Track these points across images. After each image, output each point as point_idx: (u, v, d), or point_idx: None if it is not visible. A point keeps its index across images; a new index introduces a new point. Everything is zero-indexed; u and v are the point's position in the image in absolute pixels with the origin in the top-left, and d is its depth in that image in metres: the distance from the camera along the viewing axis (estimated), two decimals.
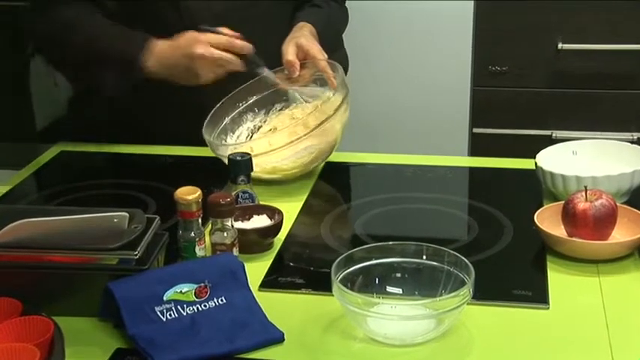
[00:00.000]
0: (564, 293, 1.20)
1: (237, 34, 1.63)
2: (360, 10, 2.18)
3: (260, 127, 1.67)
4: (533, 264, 1.30)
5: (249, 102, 1.68)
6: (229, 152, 1.45)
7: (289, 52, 1.65)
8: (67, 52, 1.70)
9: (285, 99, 1.70)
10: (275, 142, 1.51)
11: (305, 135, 1.50)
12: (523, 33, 2.42)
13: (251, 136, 1.66)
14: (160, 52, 1.63)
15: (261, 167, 1.47)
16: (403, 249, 1.18)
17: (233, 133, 1.65)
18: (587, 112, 2.46)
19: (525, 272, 1.28)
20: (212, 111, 1.61)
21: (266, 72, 1.66)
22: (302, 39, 1.67)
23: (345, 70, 1.82)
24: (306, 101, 1.66)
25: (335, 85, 1.60)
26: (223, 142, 1.61)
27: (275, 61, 1.68)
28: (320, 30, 1.75)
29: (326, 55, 1.66)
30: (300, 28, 1.73)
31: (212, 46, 1.60)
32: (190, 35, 1.62)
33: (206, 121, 1.59)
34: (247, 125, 1.67)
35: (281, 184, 1.55)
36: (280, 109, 1.69)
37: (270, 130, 1.63)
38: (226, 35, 1.62)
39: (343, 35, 1.94)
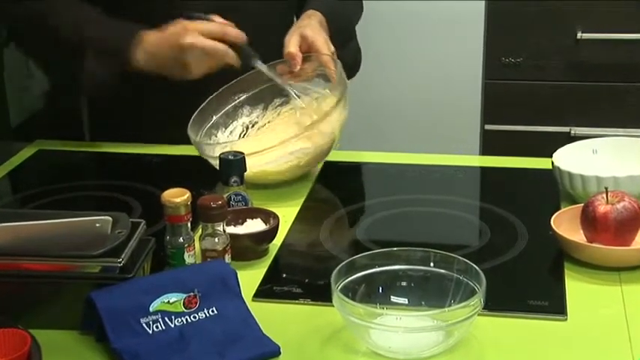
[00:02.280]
0: (583, 303, 1.20)
1: (229, 22, 1.62)
2: None
3: (256, 122, 1.67)
4: (549, 272, 1.31)
5: (245, 95, 1.67)
6: (214, 152, 1.44)
7: (291, 44, 1.62)
8: (44, 37, 1.68)
9: (286, 94, 1.69)
10: (263, 143, 1.49)
11: (289, 139, 1.48)
12: (539, 21, 2.43)
13: (245, 133, 1.66)
14: (149, 43, 1.62)
15: (249, 170, 1.46)
16: (409, 255, 1.18)
17: (226, 128, 1.65)
18: (608, 107, 2.46)
19: (541, 281, 1.29)
20: (201, 106, 1.60)
21: (259, 65, 1.63)
22: (307, 29, 1.64)
23: (359, 62, 1.81)
24: (298, 96, 1.64)
25: (335, 80, 1.58)
26: (214, 137, 1.62)
27: (273, 58, 1.67)
28: (331, 20, 1.71)
29: (332, 48, 1.63)
30: (308, 17, 1.70)
31: (203, 35, 1.59)
32: (179, 24, 1.60)
33: (192, 118, 1.58)
34: (242, 120, 1.67)
35: (277, 185, 1.55)
36: (279, 105, 1.69)
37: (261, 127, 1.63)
38: (218, 23, 1.61)
39: None
